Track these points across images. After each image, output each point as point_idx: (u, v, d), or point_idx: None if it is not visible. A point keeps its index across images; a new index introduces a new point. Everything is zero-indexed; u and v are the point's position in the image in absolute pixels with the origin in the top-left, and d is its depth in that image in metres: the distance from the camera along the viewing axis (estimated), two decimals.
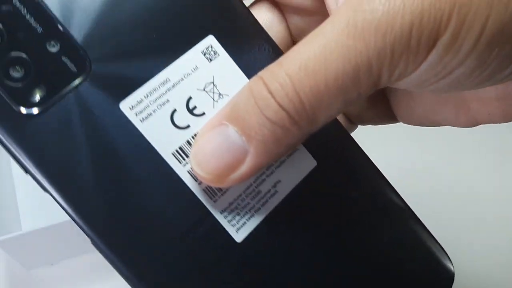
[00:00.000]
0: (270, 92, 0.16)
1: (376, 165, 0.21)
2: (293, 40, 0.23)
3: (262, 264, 0.19)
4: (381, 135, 0.40)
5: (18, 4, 0.17)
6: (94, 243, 0.17)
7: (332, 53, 0.15)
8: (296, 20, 0.22)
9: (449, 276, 0.21)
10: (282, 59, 0.16)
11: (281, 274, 0.19)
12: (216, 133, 0.17)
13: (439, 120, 0.21)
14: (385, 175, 0.22)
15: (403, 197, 0.22)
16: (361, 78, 0.15)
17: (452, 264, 0.22)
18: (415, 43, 0.15)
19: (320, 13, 0.21)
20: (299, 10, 0.22)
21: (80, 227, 0.17)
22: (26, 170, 0.17)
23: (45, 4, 0.17)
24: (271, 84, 0.16)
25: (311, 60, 0.15)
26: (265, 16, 0.22)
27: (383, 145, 0.44)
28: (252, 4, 0.22)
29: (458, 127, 0.21)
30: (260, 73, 0.17)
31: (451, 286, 0.21)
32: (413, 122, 0.22)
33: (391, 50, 0.15)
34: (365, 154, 0.21)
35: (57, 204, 0.17)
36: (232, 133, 0.17)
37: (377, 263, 0.21)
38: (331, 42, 0.15)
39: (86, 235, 0.17)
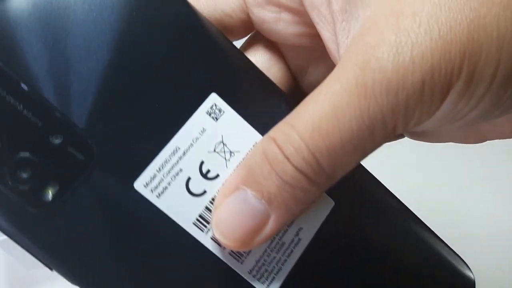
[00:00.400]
0: (286, 157, 0.16)
1: (386, 185, 0.22)
2: (294, 76, 0.22)
3: None
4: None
5: (12, 100, 0.16)
6: None
7: (344, 113, 0.15)
8: (294, 58, 0.22)
9: (470, 284, 0.22)
10: (292, 119, 0.16)
11: None
12: (235, 199, 0.17)
13: (447, 139, 0.21)
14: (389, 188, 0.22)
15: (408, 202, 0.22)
16: (376, 134, 0.15)
17: (471, 272, 0.22)
18: (428, 97, 0.15)
19: (319, 49, 0.20)
20: (296, 48, 0.21)
21: None
22: (51, 268, 0.16)
23: (40, 95, 0.16)
24: (286, 148, 0.16)
25: (323, 122, 0.15)
26: (262, 58, 0.21)
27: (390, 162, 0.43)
28: (248, 46, 0.22)
29: (466, 144, 0.21)
30: (272, 134, 0.16)
31: None
32: (421, 139, 0.22)
33: (404, 106, 0.15)
34: (376, 179, 0.21)
35: None
36: (251, 197, 0.17)
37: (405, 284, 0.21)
38: (342, 103, 0.15)
39: None
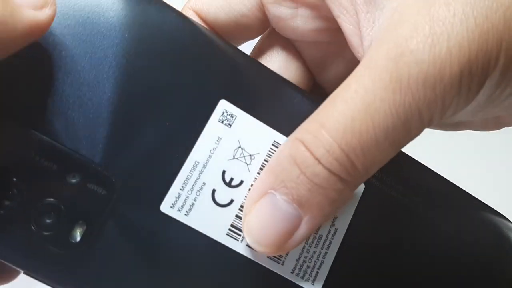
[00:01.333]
0: (316, 159, 0.15)
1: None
2: (312, 72, 0.21)
3: None
4: None
5: (22, 148, 0.15)
6: None
7: (378, 111, 0.14)
8: (311, 54, 0.21)
9: None
10: (321, 118, 0.15)
11: None
12: (265, 204, 0.16)
13: (465, 128, 0.20)
14: None
15: None
16: (412, 129, 0.15)
17: None
18: (465, 89, 0.14)
19: (336, 44, 0.20)
20: (313, 44, 0.20)
21: None
22: None
23: (48, 137, 0.16)
24: (316, 150, 0.15)
25: (356, 120, 0.14)
26: (279, 57, 0.21)
27: None
28: (263, 46, 0.21)
29: (485, 131, 0.20)
30: (299, 136, 0.16)
31: None
32: (438, 129, 0.21)
33: (442, 99, 0.14)
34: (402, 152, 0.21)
35: None
36: (281, 202, 0.16)
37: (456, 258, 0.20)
38: (375, 99, 0.14)
39: None
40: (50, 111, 0.16)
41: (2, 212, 0.15)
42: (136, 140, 0.17)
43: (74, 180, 0.16)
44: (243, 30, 0.20)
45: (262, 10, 0.20)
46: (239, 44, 0.21)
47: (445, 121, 0.16)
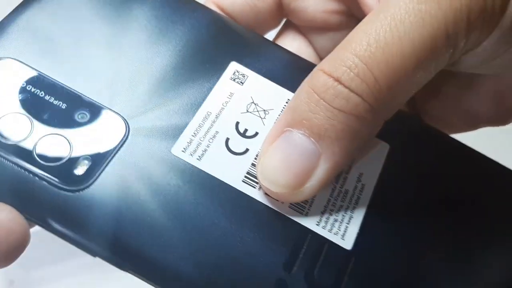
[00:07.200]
0: (337, 79, 0.14)
1: None
2: None
3: (385, 265, 0.16)
4: None
5: (33, 89, 0.16)
6: None
7: (404, 21, 0.14)
8: (321, 41, 0.22)
9: None
10: (343, 43, 0.15)
11: (405, 269, 0.16)
12: (280, 142, 0.15)
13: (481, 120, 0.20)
14: None
15: None
16: (438, 47, 0.14)
17: None
18: (490, 2, 0.14)
19: (346, 28, 0.20)
20: (322, 30, 0.21)
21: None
22: (95, 254, 0.15)
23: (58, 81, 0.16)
24: (336, 70, 0.14)
25: (381, 34, 0.14)
26: (290, 45, 0.21)
27: None
28: (276, 37, 0.22)
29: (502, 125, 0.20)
30: (317, 67, 0.15)
31: None
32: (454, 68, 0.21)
33: (467, 11, 0.14)
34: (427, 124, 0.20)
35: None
36: (298, 137, 0.15)
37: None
38: (400, 11, 0.14)
39: None
40: (64, 60, 0.17)
41: (10, 142, 0.15)
42: (150, 90, 0.17)
43: (83, 120, 0.16)
44: (259, 15, 0.20)
45: None
46: None
47: (463, 63, 0.15)
